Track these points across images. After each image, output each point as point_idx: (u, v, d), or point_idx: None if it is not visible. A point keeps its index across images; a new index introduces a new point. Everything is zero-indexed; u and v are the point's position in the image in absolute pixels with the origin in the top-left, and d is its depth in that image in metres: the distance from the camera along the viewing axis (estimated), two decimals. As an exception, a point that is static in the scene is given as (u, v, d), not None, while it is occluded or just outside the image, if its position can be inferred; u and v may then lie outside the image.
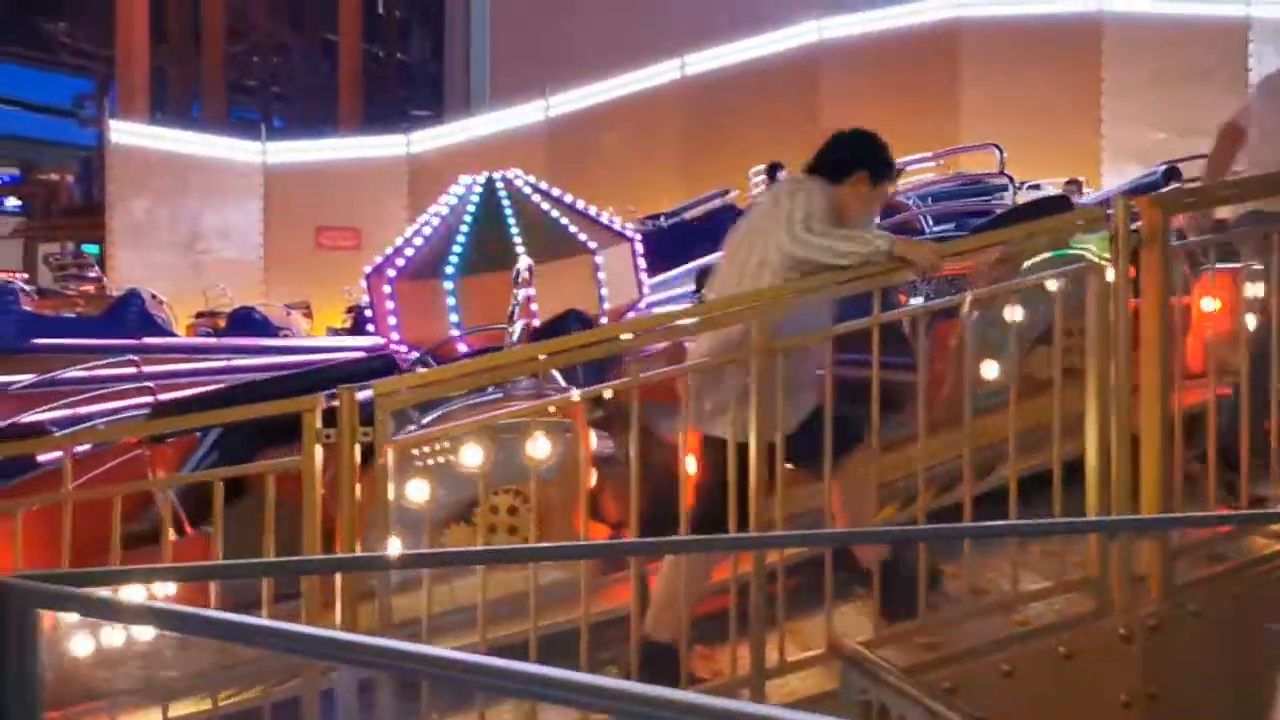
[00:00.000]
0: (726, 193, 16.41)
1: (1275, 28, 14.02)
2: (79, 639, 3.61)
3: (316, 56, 33.19)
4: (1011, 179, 10.05)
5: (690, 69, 18.77)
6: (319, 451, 2.93)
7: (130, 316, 12.72)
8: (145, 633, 3.76)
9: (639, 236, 10.08)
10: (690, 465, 3.87)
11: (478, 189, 9.83)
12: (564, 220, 9.71)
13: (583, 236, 9.47)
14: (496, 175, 9.96)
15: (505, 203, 9.69)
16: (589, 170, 18.82)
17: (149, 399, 5.68)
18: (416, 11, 33.84)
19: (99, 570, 1.59)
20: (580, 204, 10.18)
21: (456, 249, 9.34)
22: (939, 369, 3.89)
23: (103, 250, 29.65)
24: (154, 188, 17.27)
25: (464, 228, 9.50)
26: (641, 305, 10.07)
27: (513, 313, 5.00)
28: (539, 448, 3.54)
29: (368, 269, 10.13)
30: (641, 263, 10.02)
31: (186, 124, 22.65)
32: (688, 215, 15.90)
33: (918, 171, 15.79)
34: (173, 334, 13.33)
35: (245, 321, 13.96)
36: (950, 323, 3.95)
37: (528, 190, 9.90)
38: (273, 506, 2.94)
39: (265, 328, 13.94)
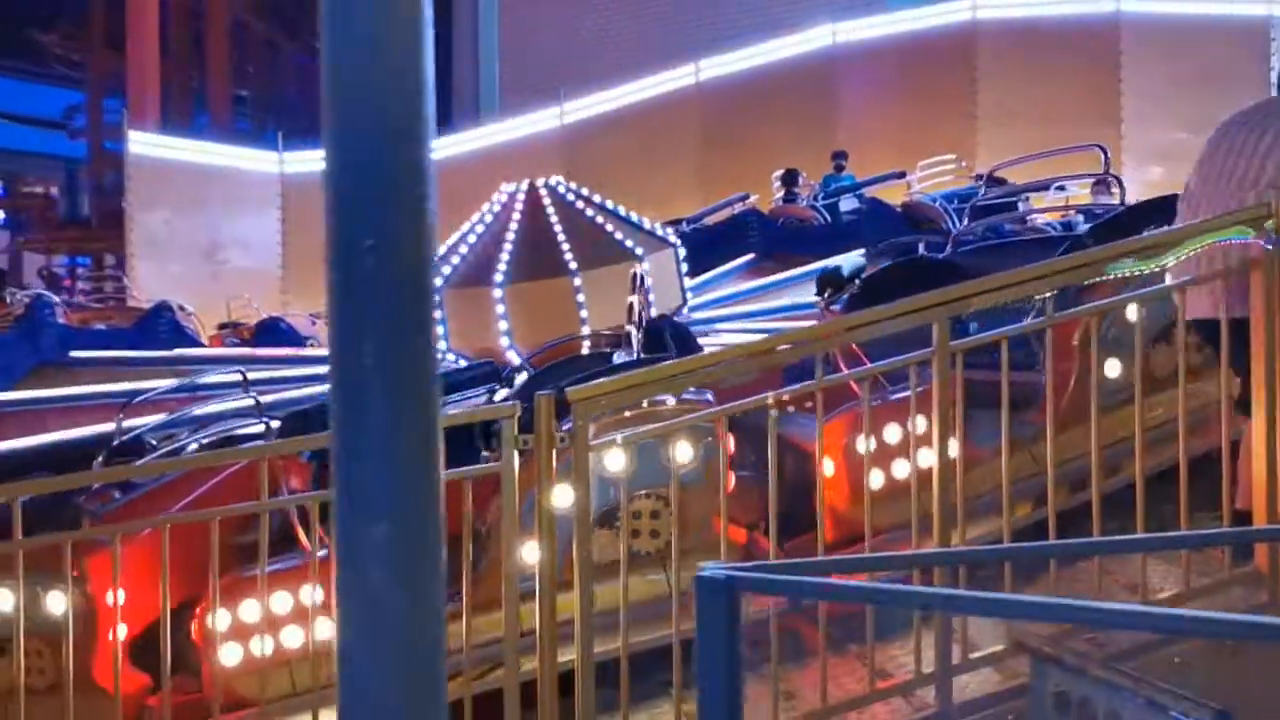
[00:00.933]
0: (746, 197, 16.47)
1: (1297, 28, 14.13)
2: (228, 650, 3.62)
3: (313, 65, 33.17)
4: (1119, 179, 9.65)
5: (705, 74, 18.82)
6: (515, 457, 2.94)
7: (161, 328, 12.72)
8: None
9: (679, 242, 10.10)
10: (828, 467, 3.89)
11: (521, 196, 9.84)
12: (609, 226, 9.73)
13: (629, 243, 9.49)
14: (539, 182, 9.97)
15: (550, 210, 9.70)
16: (605, 176, 18.78)
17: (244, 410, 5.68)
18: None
19: (787, 562, 1.63)
20: (621, 210, 10.21)
21: (505, 257, 9.35)
22: (1064, 369, 3.92)
23: (95, 262, 29.58)
24: (172, 199, 17.25)
25: (510, 235, 9.51)
26: (684, 311, 10.08)
27: (641, 317, 5.01)
28: (682, 451, 3.56)
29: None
30: (684, 267, 10.04)
31: (193, 135, 22.61)
32: (709, 220, 15.95)
33: (938, 174, 15.87)
34: (202, 345, 13.32)
35: (273, 331, 13.94)
36: (1072, 323, 3.98)
37: (571, 197, 9.91)
38: (470, 516, 2.95)
39: (292, 337, 13.93)
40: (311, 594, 3.68)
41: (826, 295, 4.85)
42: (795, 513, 3.75)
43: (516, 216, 9.74)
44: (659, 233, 10.20)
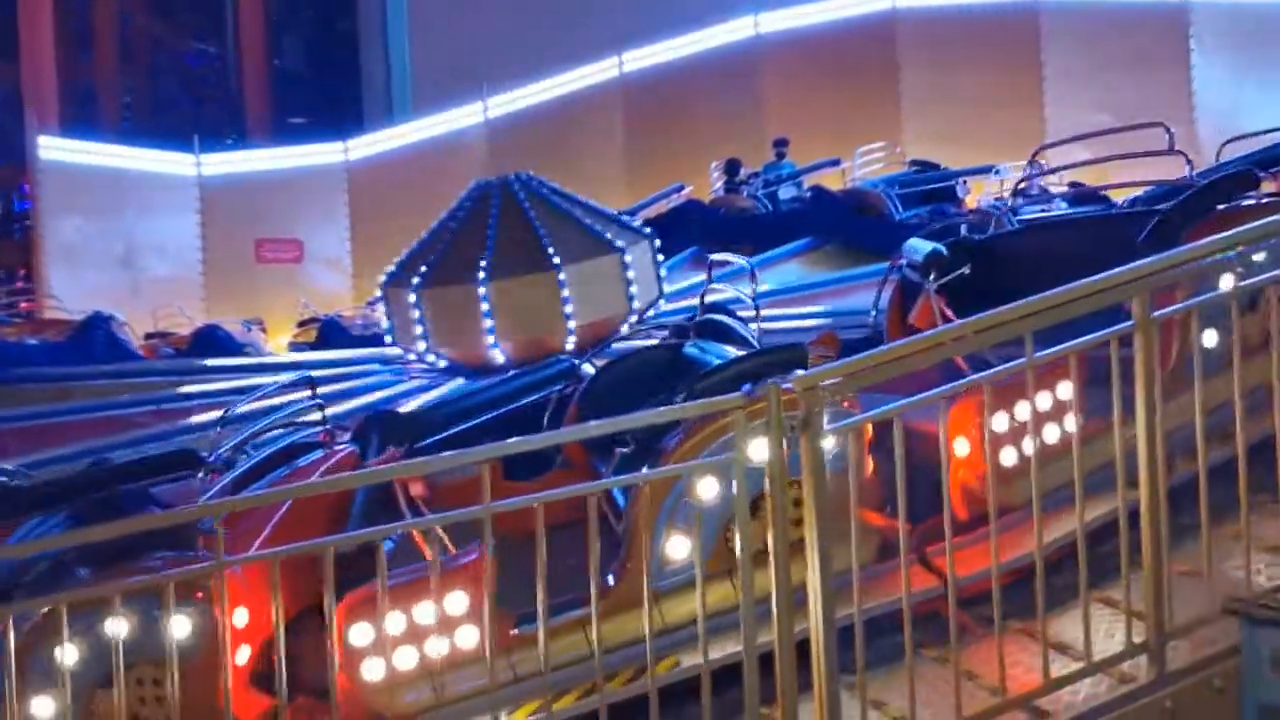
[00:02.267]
0: (681, 188, 16.48)
1: (1215, 12, 14.71)
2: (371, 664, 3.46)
3: (204, 65, 32.10)
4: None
5: (629, 66, 18.78)
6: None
7: (97, 340, 12.20)
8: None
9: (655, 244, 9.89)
10: (961, 446, 3.90)
11: (494, 192, 9.65)
12: (588, 220, 9.62)
13: (609, 235, 9.39)
14: (511, 176, 9.80)
15: (526, 204, 9.54)
16: (530, 170, 18.53)
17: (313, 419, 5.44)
18: (287, 16, 32.76)
19: None
20: (593, 203, 10.13)
21: (485, 253, 9.17)
22: (1164, 341, 4.00)
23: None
24: (85, 205, 16.50)
25: (490, 231, 9.33)
26: (661, 304, 10.00)
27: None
28: (829, 440, 3.51)
29: (383, 277, 9.87)
30: (660, 258, 9.94)
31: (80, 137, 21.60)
32: (647, 213, 15.91)
33: (875, 162, 16.13)
34: (139, 356, 12.79)
35: (210, 340, 13.49)
36: (1166, 295, 4.07)
37: (545, 191, 9.77)
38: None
39: (231, 345, 13.49)
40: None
41: (934, 276, 4.85)
42: (924, 496, 3.74)
43: (492, 212, 9.54)
44: (635, 224, 10.13)
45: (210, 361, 11.52)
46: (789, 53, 17.87)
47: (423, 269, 9.34)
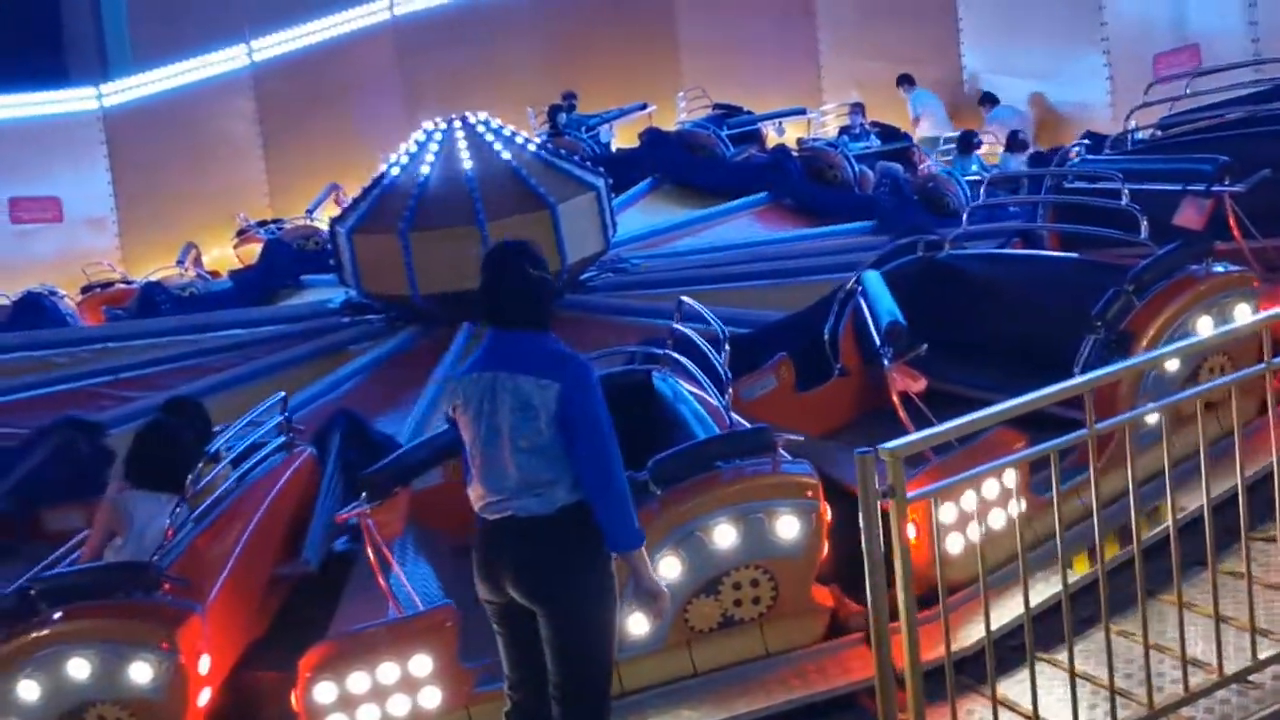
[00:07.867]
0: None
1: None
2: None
3: None
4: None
5: (400, 8, 18.31)
6: None
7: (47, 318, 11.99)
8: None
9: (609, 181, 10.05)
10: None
11: (457, 135, 9.59)
12: (555, 160, 9.80)
13: (542, 189, 9.15)
14: (465, 118, 9.76)
15: (494, 145, 9.58)
16: (304, 117, 17.74)
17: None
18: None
19: None
20: (547, 148, 10.27)
21: (473, 195, 9.20)
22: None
23: None
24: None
25: (469, 173, 9.32)
26: (608, 256, 10.16)
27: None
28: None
29: (342, 227, 9.56)
30: (611, 208, 10.04)
31: None
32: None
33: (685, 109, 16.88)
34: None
35: (35, 309, 12.40)
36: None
37: (504, 132, 9.83)
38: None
39: (56, 315, 12.45)
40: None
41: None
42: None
43: (462, 155, 9.53)
44: (589, 165, 10.35)
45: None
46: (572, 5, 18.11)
47: (405, 212, 9.18)
